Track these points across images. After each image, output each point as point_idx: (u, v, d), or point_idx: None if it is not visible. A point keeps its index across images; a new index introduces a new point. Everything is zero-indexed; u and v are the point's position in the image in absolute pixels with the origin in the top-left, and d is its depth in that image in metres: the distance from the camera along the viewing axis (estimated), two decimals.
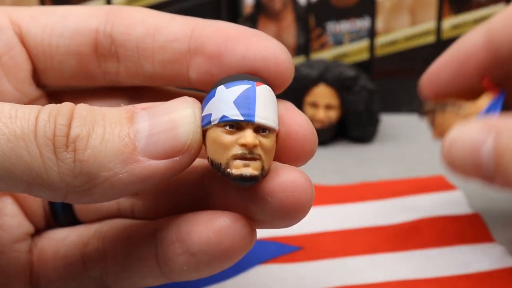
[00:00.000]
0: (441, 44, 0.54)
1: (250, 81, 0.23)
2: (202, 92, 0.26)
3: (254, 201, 0.23)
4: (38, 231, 0.29)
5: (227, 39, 0.24)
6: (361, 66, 0.54)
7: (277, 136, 0.23)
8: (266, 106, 0.22)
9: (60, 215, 0.29)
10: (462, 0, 0.53)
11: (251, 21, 0.54)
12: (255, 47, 0.24)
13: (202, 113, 0.23)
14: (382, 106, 0.52)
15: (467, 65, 0.35)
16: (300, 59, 0.54)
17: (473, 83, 0.35)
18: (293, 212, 0.23)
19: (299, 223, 0.35)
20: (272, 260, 0.33)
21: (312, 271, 0.33)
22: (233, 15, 0.54)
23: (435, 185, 0.42)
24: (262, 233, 0.35)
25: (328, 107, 0.49)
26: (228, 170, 0.22)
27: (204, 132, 0.22)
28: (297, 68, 0.50)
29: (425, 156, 0.47)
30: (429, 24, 0.54)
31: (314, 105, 0.49)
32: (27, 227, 0.28)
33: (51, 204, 0.29)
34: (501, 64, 0.34)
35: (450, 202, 0.40)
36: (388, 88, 0.55)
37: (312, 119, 0.49)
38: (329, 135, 0.49)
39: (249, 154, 0.22)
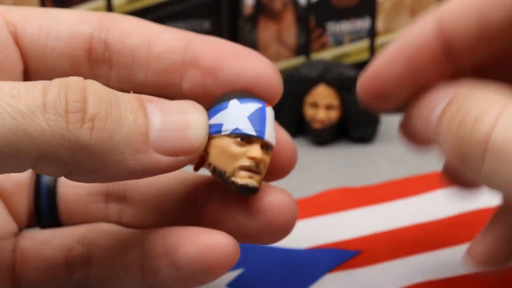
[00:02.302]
0: None
1: (261, 101, 0.24)
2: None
3: (246, 217, 0.25)
4: (19, 230, 0.29)
5: (223, 56, 0.26)
6: (362, 66, 0.54)
7: None
8: (271, 126, 0.24)
9: (45, 215, 0.29)
10: None
11: (251, 21, 0.54)
12: (250, 66, 0.25)
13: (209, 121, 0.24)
14: None
15: (419, 59, 0.27)
16: (300, 59, 0.54)
17: (424, 80, 0.27)
18: (279, 229, 0.25)
19: (353, 226, 0.37)
20: (337, 268, 0.34)
21: (377, 275, 0.33)
22: (233, 15, 0.55)
23: None
24: (318, 240, 0.36)
25: (328, 107, 0.49)
26: (233, 178, 0.23)
27: (208, 140, 0.24)
28: (297, 69, 0.50)
29: (425, 156, 0.47)
30: None
31: (315, 105, 0.49)
32: (12, 226, 0.28)
33: (37, 204, 0.29)
34: (457, 55, 0.27)
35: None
36: None
37: (313, 120, 0.49)
38: (329, 135, 0.49)
39: (255, 168, 0.23)
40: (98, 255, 0.27)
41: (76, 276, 0.27)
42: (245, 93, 0.25)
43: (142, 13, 0.51)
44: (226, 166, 0.23)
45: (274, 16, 0.54)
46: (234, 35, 0.55)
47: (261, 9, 0.54)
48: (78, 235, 0.28)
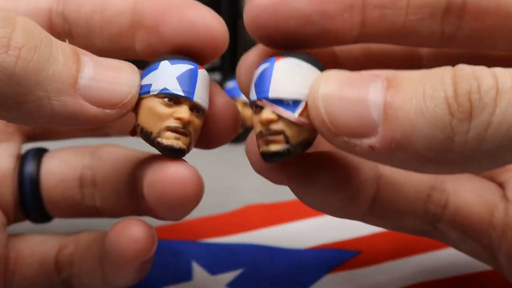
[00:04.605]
0: None
1: (194, 63, 0.24)
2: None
3: (146, 190, 0.24)
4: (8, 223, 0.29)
5: (164, 11, 0.25)
6: None
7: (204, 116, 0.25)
8: (203, 89, 0.24)
9: (30, 206, 0.29)
10: None
11: None
12: (187, 16, 0.25)
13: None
14: None
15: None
16: None
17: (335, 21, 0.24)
18: (172, 203, 0.23)
19: (353, 226, 0.35)
20: (337, 268, 0.34)
21: (377, 275, 0.33)
22: (233, 15, 0.54)
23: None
24: (318, 240, 0.36)
25: None
26: (159, 139, 0.23)
27: (138, 100, 0.23)
28: None
29: None
30: None
31: None
32: (1, 218, 0.29)
33: (21, 194, 0.29)
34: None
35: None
36: None
37: None
38: None
39: (182, 129, 0.23)
40: (78, 253, 0.28)
41: (63, 274, 0.28)
42: (179, 55, 0.24)
43: None
44: (152, 126, 0.23)
45: None
46: (234, 35, 0.55)
47: None
48: (70, 238, 0.29)
